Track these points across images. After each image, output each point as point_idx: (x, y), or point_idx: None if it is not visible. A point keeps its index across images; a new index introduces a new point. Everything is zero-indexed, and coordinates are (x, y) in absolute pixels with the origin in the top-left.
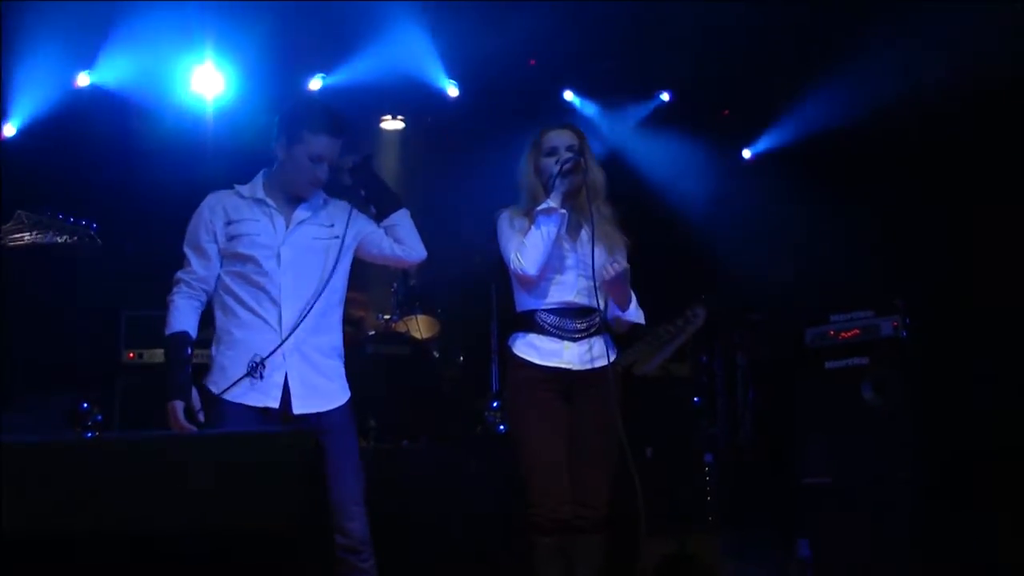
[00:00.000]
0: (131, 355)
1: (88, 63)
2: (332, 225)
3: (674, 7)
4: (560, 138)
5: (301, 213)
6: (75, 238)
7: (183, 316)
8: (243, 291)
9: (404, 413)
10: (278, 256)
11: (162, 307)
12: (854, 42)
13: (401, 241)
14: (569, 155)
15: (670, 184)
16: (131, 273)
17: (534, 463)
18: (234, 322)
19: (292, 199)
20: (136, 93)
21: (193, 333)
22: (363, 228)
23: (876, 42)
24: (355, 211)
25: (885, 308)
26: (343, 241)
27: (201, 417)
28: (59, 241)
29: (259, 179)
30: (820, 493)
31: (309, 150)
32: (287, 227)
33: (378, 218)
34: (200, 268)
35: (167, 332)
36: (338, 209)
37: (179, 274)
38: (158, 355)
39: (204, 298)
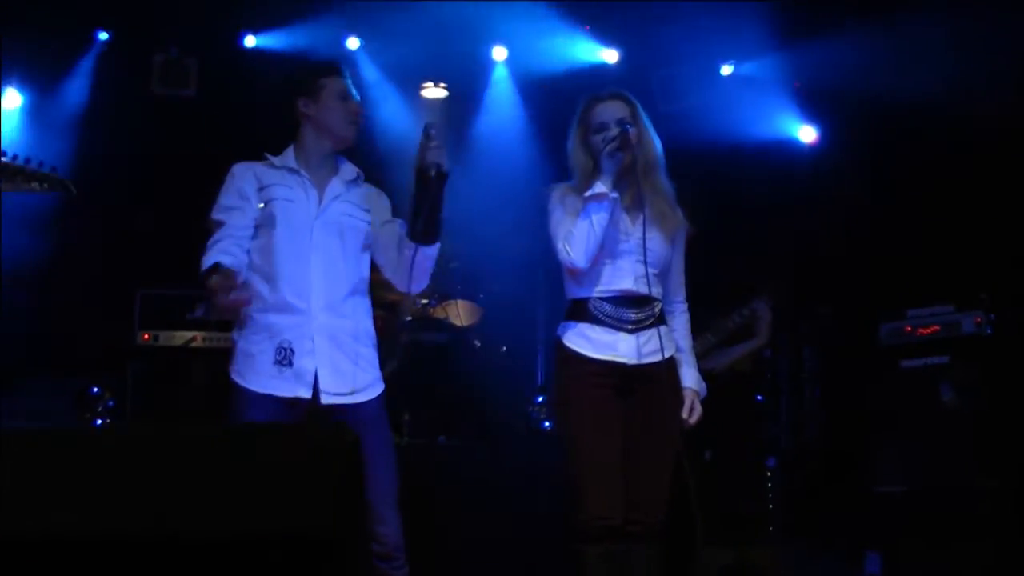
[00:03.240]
0: (146, 337)
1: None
2: (368, 209)
3: None
4: (609, 111)
5: (335, 187)
6: (45, 185)
7: (223, 253)
8: (271, 267)
9: (441, 407)
10: (311, 231)
11: (181, 286)
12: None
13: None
14: (615, 131)
15: (732, 161)
16: (147, 248)
17: (584, 464)
18: (259, 304)
19: (327, 170)
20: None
21: (238, 267)
22: (390, 229)
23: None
24: (389, 209)
25: (967, 302)
26: (374, 228)
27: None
28: (28, 188)
29: (289, 151)
30: (893, 503)
31: (334, 90)
32: (320, 201)
33: (409, 235)
34: (238, 221)
35: (204, 268)
36: (373, 193)
37: (213, 237)
38: (175, 337)
39: (247, 247)
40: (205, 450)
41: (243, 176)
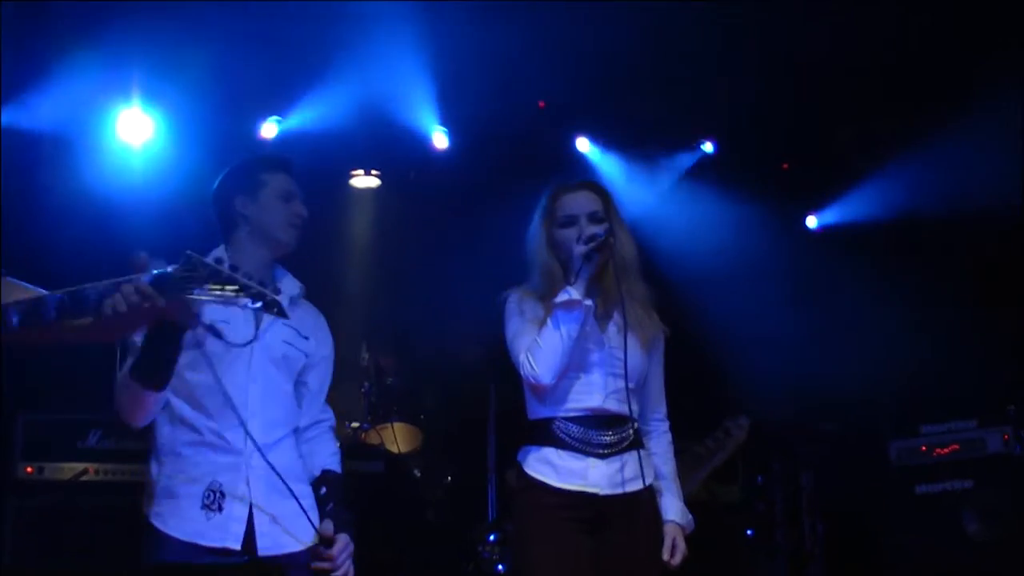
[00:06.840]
0: (29, 469)
1: None
2: (308, 338)
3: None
4: (579, 202)
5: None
6: None
7: None
8: (201, 398)
9: (377, 545)
10: (249, 358)
11: (70, 411)
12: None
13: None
14: (594, 230)
15: (714, 258)
16: (32, 367)
17: None
18: (186, 437)
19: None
20: (50, 140)
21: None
22: (322, 372)
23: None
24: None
25: (992, 417)
26: (309, 362)
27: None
28: None
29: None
30: None
31: (276, 189)
32: (257, 323)
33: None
34: None
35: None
36: (311, 315)
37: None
38: (64, 470)
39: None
40: None
41: None
